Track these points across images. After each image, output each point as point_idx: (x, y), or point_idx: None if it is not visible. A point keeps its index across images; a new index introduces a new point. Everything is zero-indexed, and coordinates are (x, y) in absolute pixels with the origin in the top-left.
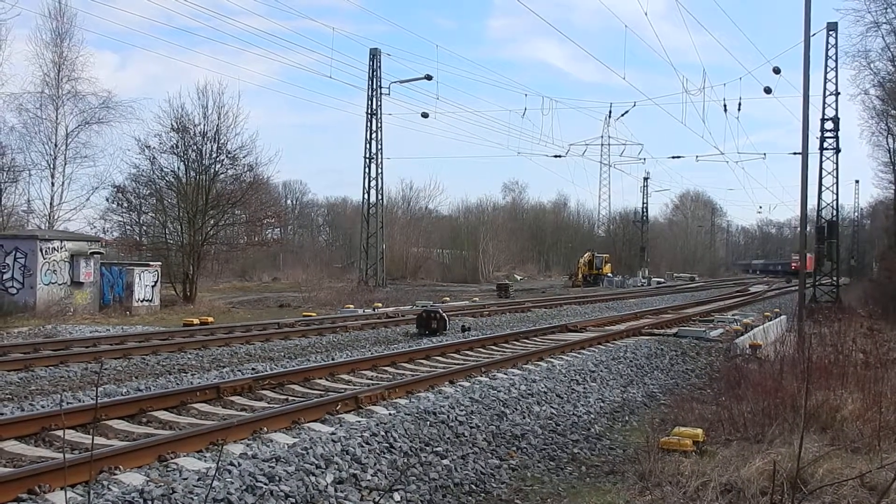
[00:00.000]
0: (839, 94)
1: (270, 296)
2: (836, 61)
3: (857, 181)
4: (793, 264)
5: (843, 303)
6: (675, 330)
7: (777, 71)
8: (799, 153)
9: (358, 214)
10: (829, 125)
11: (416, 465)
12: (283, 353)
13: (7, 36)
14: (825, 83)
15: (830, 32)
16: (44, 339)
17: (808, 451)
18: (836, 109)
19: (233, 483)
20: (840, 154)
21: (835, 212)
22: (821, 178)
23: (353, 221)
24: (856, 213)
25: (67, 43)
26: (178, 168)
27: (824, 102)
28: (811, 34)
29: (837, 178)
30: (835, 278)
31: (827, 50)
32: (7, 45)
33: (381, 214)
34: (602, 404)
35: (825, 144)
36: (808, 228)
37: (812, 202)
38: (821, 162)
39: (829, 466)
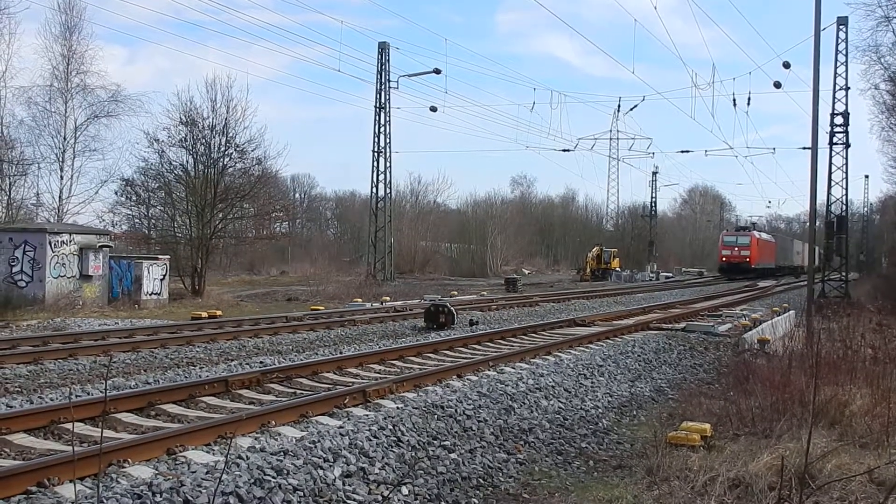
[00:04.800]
0: (849, 88)
1: (279, 289)
2: (846, 56)
3: (866, 176)
4: (722, 256)
5: (852, 298)
6: (683, 325)
7: (787, 65)
8: (808, 148)
9: (366, 208)
10: (838, 120)
11: (423, 459)
12: (291, 347)
13: (16, 29)
14: (835, 78)
15: (841, 27)
16: (53, 332)
17: (817, 446)
18: (846, 104)
19: (241, 476)
20: (850, 149)
21: (844, 207)
22: (830, 172)
23: (362, 215)
24: (865, 208)
25: (76, 36)
26: (187, 161)
27: (834, 97)
28: (821, 28)
29: (847, 172)
30: (844, 273)
31: (837, 44)
32: (16, 38)
33: (390, 208)
34: (610, 399)
35: (835, 139)
36: (818, 223)
37: (821, 197)
38: (830, 157)
39: (838, 462)
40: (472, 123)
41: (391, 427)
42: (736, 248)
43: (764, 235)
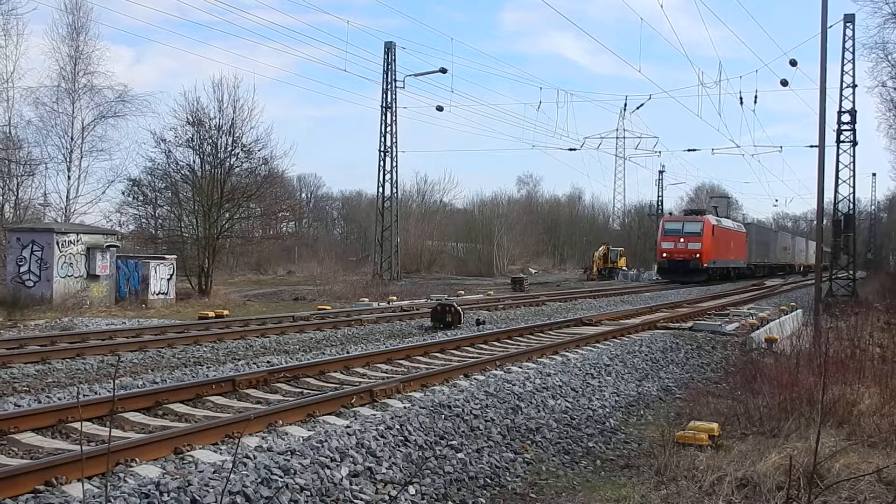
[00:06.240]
0: (856, 86)
1: (285, 289)
2: (853, 53)
3: (874, 174)
4: (662, 250)
5: (860, 296)
6: (690, 324)
7: (793, 63)
8: (815, 146)
9: (373, 208)
10: (845, 118)
11: (431, 459)
12: (298, 347)
13: (24, 30)
14: (842, 75)
15: (847, 24)
16: (60, 331)
17: (825, 445)
18: (853, 102)
19: (248, 476)
20: (857, 147)
21: (851, 205)
22: (837, 170)
23: (368, 215)
24: (872, 206)
25: (83, 37)
26: (194, 161)
27: (841, 95)
28: (828, 26)
29: (854, 170)
30: (851, 272)
31: (844, 42)
32: (24, 39)
33: (396, 208)
34: (617, 398)
35: (842, 137)
36: (825, 221)
37: (828, 195)
38: (837, 155)
39: (846, 461)
40: (478, 123)
41: (398, 427)
42: (682, 240)
43: (727, 223)
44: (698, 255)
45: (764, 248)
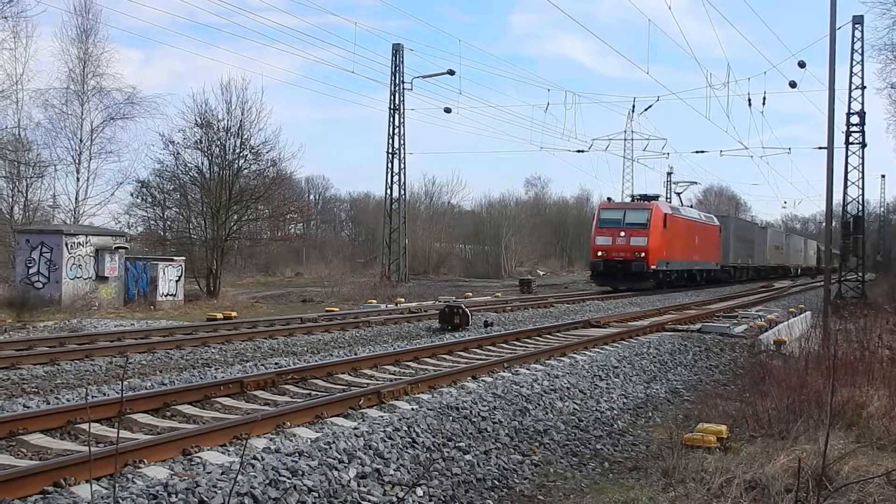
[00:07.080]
0: (865, 87)
1: (293, 291)
2: (862, 55)
3: (882, 176)
4: (596, 248)
5: (869, 298)
6: (698, 326)
7: (802, 65)
8: (824, 148)
9: (380, 209)
10: (854, 119)
11: (438, 461)
12: (306, 348)
13: (33, 32)
14: (851, 77)
15: (856, 25)
16: (69, 333)
17: (834, 448)
18: (862, 103)
19: (256, 477)
20: (866, 148)
21: (860, 207)
22: (846, 172)
23: (376, 217)
24: (882, 208)
25: (93, 39)
26: (202, 163)
27: (850, 96)
28: (837, 27)
29: (863, 172)
30: (860, 274)
31: (853, 43)
32: (33, 41)
33: (404, 210)
34: (625, 400)
35: (851, 139)
36: (834, 223)
37: (837, 197)
38: (846, 156)
39: (855, 464)
40: (486, 124)
41: (406, 428)
42: (622, 234)
43: (690, 212)
44: (643, 255)
45: (746, 247)
